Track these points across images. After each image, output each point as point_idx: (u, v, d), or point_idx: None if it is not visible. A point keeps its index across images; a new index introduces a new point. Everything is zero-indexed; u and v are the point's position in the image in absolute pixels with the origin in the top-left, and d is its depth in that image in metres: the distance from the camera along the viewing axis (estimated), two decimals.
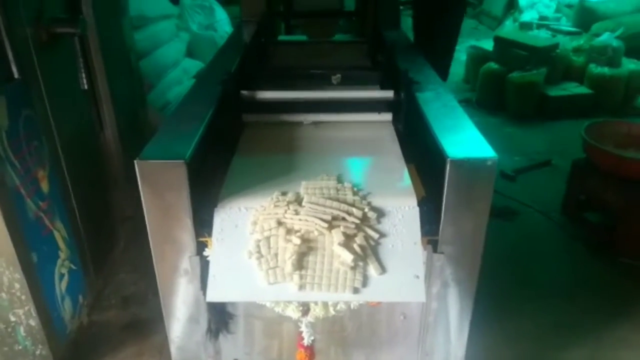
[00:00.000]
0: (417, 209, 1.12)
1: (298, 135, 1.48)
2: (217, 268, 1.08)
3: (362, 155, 1.42)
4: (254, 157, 1.36)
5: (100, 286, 2.21)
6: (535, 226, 2.80)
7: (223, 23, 4.88)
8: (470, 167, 1.03)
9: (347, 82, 1.82)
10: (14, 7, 1.50)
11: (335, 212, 1.06)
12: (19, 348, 1.69)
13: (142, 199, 1.06)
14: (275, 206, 1.10)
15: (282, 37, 2.87)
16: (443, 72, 2.59)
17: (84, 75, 1.78)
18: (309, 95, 1.56)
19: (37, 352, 1.72)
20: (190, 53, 4.53)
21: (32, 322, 1.66)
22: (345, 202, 1.10)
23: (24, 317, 1.64)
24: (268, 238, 1.08)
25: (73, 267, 1.88)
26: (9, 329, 1.65)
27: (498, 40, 4.75)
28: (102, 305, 2.16)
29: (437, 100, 1.34)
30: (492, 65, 4.59)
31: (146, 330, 2.01)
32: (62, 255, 1.81)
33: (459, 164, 1.02)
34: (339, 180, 1.18)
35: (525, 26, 6.14)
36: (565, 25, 6.05)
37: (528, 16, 6.34)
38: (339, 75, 1.84)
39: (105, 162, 2.31)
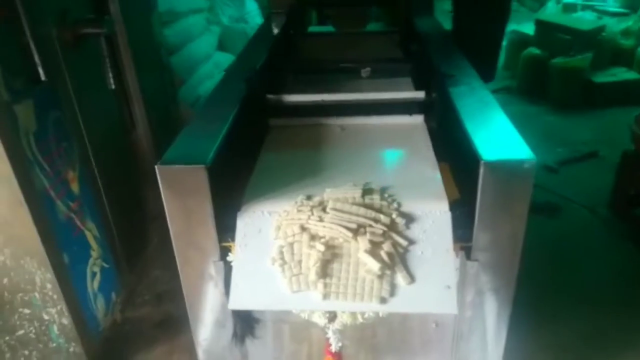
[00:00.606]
0: (448, 213, 1.05)
1: (323, 136, 1.42)
2: (240, 275, 1.05)
3: (391, 155, 1.35)
4: (278, 159, 1.32)
5: (133, 283, 2.23)
6: (579, 223, 2.65)
7: (254, 14, 4.86)
8: (506, 170, 0.95)
9: (377, 75, 1.75)
10: (38, 9, 1.50)
11: (361, 220, 1.01)
12: (53, 346, 1.72)
13: (165, 204, 1.05)
14: (299, 211, 1.06)
15: (312, 28, 2.81)
16: (491, 62, 2.42)
17: (111, 75, 1.78)
18: (337, 97, 1.49)
19: (71, 350, 1.74)
20: (222, 46, 4.53)
21: (65, 321, 1.68)
22: (372, 207, 1.04)
23: (57, 315, 1.67)
24: (291, 244, 1.04)
25: (105, 265, 1.90)
26: (43, 327, 1.68)
27: (540, 24, 4.55)
28: (135, 303, 2.19)
29: (472, 95, 1.26)
30: (534, 50, 4.39)
31: (178, 327, 2.01)
32: (94, 254, 1.83)
33: (494, 166, 0.95)
34: (365, 189, 1.10)
35: (569, 8, 5.84)
36: (612, 5, 5.72)
37: None
38: (368, 69, 1.78)
39: (137, 159, 2.33)
